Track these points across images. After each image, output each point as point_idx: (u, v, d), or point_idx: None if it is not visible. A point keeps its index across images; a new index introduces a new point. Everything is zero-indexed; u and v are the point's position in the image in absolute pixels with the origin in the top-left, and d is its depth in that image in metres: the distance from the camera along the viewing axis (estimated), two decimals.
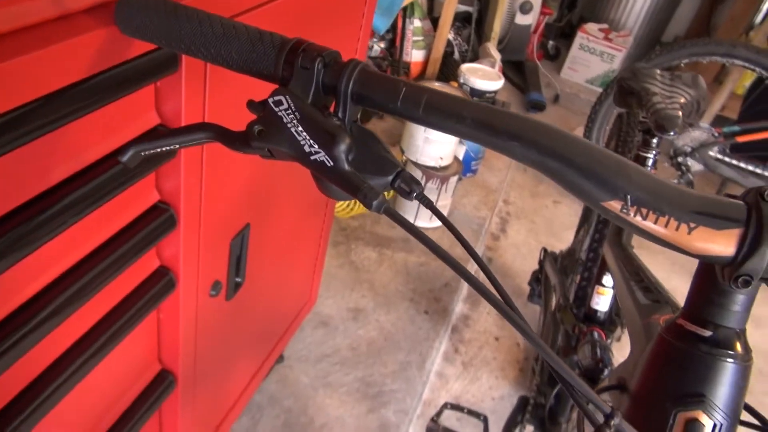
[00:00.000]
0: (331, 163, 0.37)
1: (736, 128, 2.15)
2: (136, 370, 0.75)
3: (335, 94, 0.39)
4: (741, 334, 0.39)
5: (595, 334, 0.98)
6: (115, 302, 0.65)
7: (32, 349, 0.53)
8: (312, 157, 0.37)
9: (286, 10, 0.69)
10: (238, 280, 0.86)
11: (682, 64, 2.08)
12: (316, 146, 0.37)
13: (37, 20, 0.41)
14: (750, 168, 2.17)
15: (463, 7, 2.89)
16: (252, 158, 0.77)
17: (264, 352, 1.18)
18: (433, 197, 1.89)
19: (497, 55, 2.68)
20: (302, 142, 0.37)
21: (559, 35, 3.60)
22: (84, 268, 0.57)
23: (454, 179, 1.89)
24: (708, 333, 0.39)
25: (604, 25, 3.31)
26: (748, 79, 2.81)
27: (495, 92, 2.24)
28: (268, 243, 0.95)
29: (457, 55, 2.87)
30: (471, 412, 1.10)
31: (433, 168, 1.87)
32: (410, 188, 0.38)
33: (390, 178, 0.38)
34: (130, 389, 0.75)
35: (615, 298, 1.05)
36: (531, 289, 1.68)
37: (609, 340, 0.99)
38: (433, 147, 1.86)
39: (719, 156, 2.17)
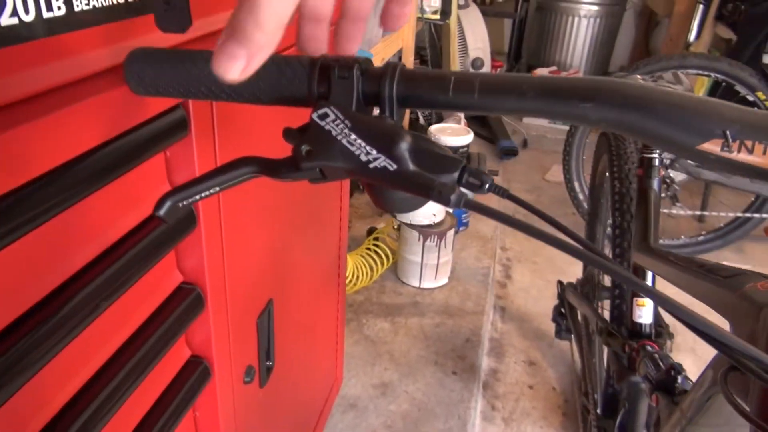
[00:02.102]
0: (394, 167, 0.33)
1: None
2: None
3: (378, 100, 0.36)
4: None
5: (649, 348, 0.93)
6: (148, 405, 0.58)
7: None
8: (371, 165, 0.33)
9: None
10: (269, 363, 0.80)
11: None
12: (374, 152, 0.33)
13: (44, 87, 0.38)
14: None
15: None
16: (268, 227, 0.73)
17: None
18: (433, 255, 1.85)
19: (460, 113, 2.75)
20: (357, 152, 0.34)
21: None
22: (110, 371, 0.51)
23: (450, 233, 1.87)
24: None
25: (553, 68, 3.45)
26: (701, 88, 2.91)
27: (467, 146, 2.27)
28: (292, 321, 0.89)
29: (422, 120, 2.94)
30: None
31: (428, 226, 1.84)
32: (481, 181, 0.34)
33: (456, 174, 0.35)
34: None
35: (656, 308, 1.01)
36: (557, 325, 1.62)
37: (663, 351, 0.94)
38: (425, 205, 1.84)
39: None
